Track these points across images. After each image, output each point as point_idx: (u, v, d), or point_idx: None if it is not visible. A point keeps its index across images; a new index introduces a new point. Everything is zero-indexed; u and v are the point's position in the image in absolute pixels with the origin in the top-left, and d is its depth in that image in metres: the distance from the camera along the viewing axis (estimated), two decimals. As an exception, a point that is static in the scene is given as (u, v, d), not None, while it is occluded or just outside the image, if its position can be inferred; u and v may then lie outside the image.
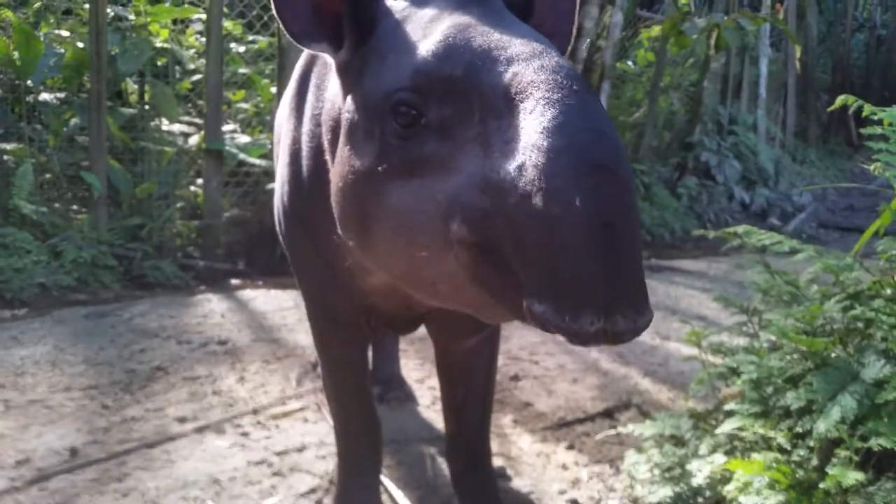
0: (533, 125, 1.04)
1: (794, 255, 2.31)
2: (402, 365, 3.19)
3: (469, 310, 1.31)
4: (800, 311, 2.17)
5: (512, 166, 1.04)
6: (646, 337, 3.90)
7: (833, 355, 1.99)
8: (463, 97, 1.16)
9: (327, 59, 1.51)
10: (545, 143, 1.02)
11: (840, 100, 2.34)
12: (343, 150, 1.33)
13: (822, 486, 1.67)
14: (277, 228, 1.95)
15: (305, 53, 1.75)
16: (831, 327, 2.14)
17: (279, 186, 1.85)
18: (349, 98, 1.35)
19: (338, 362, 2.02)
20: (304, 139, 1.66)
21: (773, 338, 2.27)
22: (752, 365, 2.11)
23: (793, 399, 1.85)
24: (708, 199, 8.36)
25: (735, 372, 2.23)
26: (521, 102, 1.08)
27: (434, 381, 3.09)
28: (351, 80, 1.37)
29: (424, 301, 1.37)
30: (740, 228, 2.45)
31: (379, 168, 1.23)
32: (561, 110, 1.04)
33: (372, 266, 1.44)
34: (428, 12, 1.32)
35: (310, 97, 1.67)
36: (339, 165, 1.34)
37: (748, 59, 10.26)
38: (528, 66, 1.12)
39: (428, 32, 1.26)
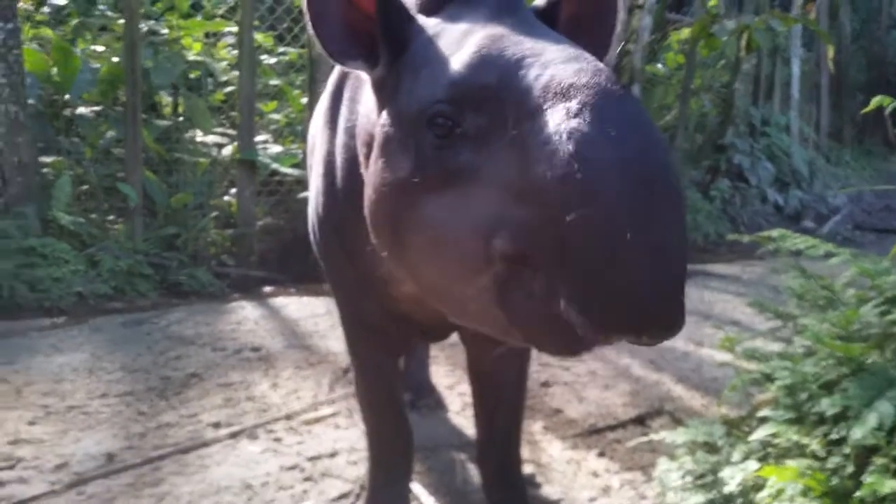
0: (575, 129, 1.02)
1: (829, 259, 2.27)
2: (432, 371, 3.20)
3: (488, 329, 1.29)
4: (835, 315, 2.13)
5: (555, 172, 1.01)
6: (679, 342, 3.86)
7: (869, 361, 1.95)
8: (498, 104, 1.15)
9: (361, 74, 1.52)
10: (592, 153, 1.00)
11: (875, 101, 2.30)
12: (378, 161, 1.34)
13: (857, 494, 1.64)
14: (311, 237, 1.97)
15: (339, 67, 1.77)
16: (868, 332, 2.10)
17: (313, 197, 1.87)
18: (384, 112, 1.36)
19: (370, 369, 2.04)
20: (339, 151, 1.68)
21: (808, 343, 2.23)
22: (787, 371, 2.08)
23: (828, 405, 1.82)
24: (741, 201, 8.25)
25: (769, 378, 2.19)
26: (560, 104, 1.06)
27: (464, 388, 3.10)
28: (386, 95, 1.38)
29: (450, 317, 1.37)
30: (775, 232, 2.42)
31: (414, 179, 1.23)
32: (605, 115, 1.02)
33: (404, 276, 1.45)
34: (460, 27, 1.33)
35: (343, 110, 1.69)
36: (374, 177, 1.35)
37: (780, 60, 10.10)
38: (565, 68, 1.11)
39: (461, 45, 1.26)
